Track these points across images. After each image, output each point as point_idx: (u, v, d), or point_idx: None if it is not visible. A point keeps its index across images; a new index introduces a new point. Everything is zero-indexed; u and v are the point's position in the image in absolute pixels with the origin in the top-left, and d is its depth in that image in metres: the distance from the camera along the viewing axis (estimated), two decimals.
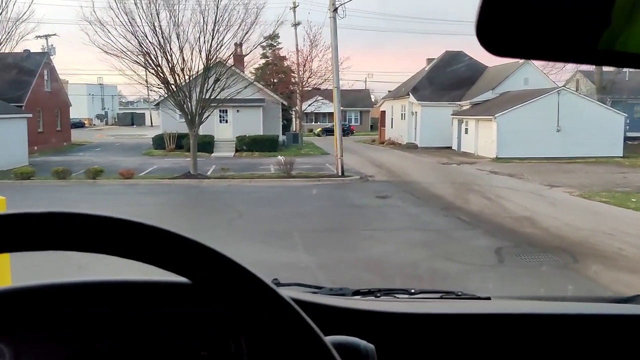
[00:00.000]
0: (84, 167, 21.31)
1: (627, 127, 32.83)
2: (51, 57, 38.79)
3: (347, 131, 51.84)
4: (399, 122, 40.78)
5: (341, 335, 0.92)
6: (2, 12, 29.99)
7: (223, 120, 34.27)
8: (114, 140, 43.51)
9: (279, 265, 8.31)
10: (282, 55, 45.67)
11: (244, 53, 26.39)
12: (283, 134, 37.48)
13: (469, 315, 1.32)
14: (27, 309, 1.05)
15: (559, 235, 11.32)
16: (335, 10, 21.97)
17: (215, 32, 22.23)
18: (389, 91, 48.10)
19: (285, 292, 0.76)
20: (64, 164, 22.69)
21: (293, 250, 10.21)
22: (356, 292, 1.59)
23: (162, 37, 21.73)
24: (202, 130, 25.61)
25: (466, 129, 33.72)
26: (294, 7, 42.43)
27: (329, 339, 0.77)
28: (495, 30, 0.59)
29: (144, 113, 74.59)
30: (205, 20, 22.21)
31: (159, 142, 33.58)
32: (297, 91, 42.56)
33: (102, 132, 56.86)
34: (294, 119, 45.65)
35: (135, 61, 21.94)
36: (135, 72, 22.52)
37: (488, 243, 10.70)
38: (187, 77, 22.12)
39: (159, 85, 23.05)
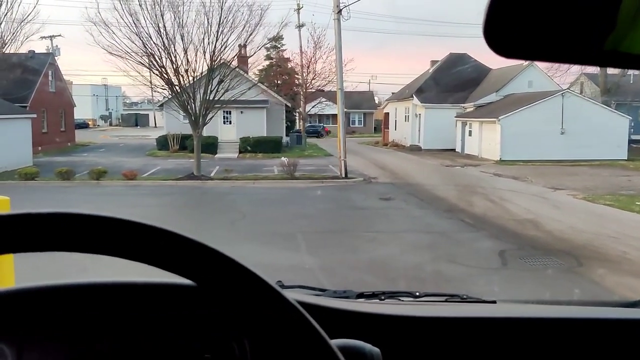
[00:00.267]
0: (87, 168, 21.36)
1: (632, 130, 32.80)
2: (56, 57, 38.97)
3: (319, 133, 50.44)
4: (403, 124, 40.77)
5: (346, 338, 0.91)
6: (7, 12, 30.08)
7: (227, 121, 34.31)
8: (118, 141, 43.61)
9: (282, 267, 8.30)
10: (286, 56, 45.75)
11: (248, 54, 26.43)
12: (287, 135, 37.51)
13: (474, 319, 1.32)
14: (30, 310, 1.05)
15: (562, 238, 11.29)
16: (340, 12, 21.98)
17: (219, 33, 22.27)
18: (392, 93, 48.14)
19: (289, 295, 0.75)
20: (67, 164, 22.75)
21: (296, 252, 10.20)
22: (360, 295, 1.58)
23: (167, 39, 21.78)
24: (206, 132, 25.65)
25: (470, 132, 33.69)
26: (298, 9, 42.45)
27: (334, 342, 0.77)
28: (502, 32, 0.59)
29: (147, 114, 74.81)
30: (210, 22, 22.27)
31: (162, 143, 33.66)
32: (301, 93, 42.56)
33: (106, 132, 57.02)
34: (297, 121, 45.65)
35: (140, 62, 21.97)
36: (139, 73, 22.55)
37: (491, 246, 10.68)
38: (191, 78, 22.15)
39: (163, 86, 23.08)
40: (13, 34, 31.09)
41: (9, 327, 1.02)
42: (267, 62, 43.42)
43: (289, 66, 44.69)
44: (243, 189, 19.27)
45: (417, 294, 1.59)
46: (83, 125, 59.40)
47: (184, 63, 22.07)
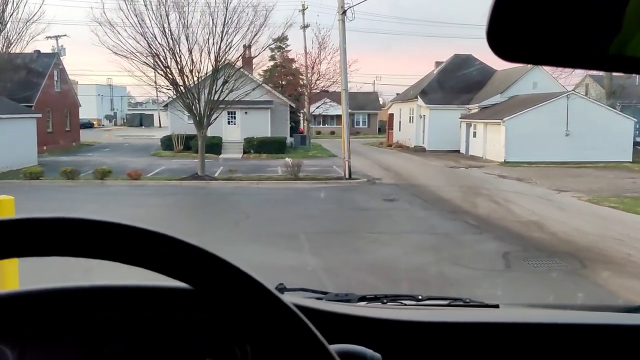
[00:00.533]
0: (92, 168, 21.40)
1: (637, 132, 32.64)
2: (61, 57, 39.04)
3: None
4: (407, 125, 40.72)
5: (346, 343, 0.90)
6: (13, 12, 30.17)
7: (231, 121, 34.36)
8: (123, 141, 43.69)
9: (284, 268, 8.30)
10: (290, 57, 45.76)
11: (252, 55, 26.45)
12: (291, 136, 37.52)
13: (477, 324, 1.31)
14: (33, 312, 1.05)
15: (567, 240, 11.25)
16: (344, 12, 21.97)
17: (224, 34, 22.29)
18: (397, 94, 48.09)
19: (290, 298, 0.75)
20: (72, 164, 22.81)
21: (299, 253, 10.20)
22: (362, 298, 1.58)
23: (172, 39, 21.82)
24: (211, 132, 25.66)
25: (474, 133, 33.63)
26: (303, 10, 42.51)
27: (334, 348, 0.76)
28: (505, 36, 0.59)
29: (152, 114, 74.94)
30: (215, 22, 22.29)
31: (167, 143, 33.72)
32: (305, 93, 42.58)
33: (111, 132, 57.13)
34: (301, 121, 45.67)
35: (145, 62, 22.04)
36: (144, 73, 22.62)
37: (495, 247, 10.66)
38: (195, 78, 22.18)
39: (167, 86, 23.14)
40: (19, 34, 31.20)
41: (11, 329, 1.02)
42: (272, 63, 43.45)
43: (294, 67, 44.70)
44: (247, 189, 19.29)
45: (420, 297, 1.58)
46: (88, 125, 59.54)
47: (188, 63, 22.13)
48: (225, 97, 22.17)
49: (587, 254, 10.06)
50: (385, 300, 1.55)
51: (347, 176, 21.44)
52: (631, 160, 28.72)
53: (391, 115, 45.19)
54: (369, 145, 41.95)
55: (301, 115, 44.57)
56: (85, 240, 0.67)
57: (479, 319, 1.35)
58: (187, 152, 30.82)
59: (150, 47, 21.71)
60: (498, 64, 38.56)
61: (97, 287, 1.09)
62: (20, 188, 17.61)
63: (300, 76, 43.60)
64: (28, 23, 31.65)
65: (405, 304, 1.53)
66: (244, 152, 32.43)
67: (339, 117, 38.98)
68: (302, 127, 45.08)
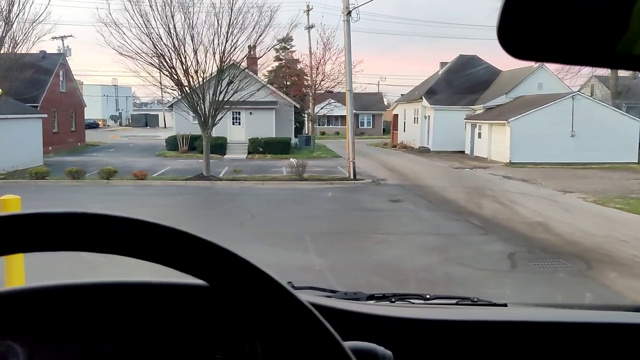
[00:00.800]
0: (97, 168, 21.46)
1: None
2: (67, 58, 39.20)
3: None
4: (412, 125, 40.69)
5: (356, 340, 0.90)
6: (19, 13, 30.26)
7: (236, 122, 34.40)
8: (128, 141, 43.81)
9: (290, 268, 8.30)
10: (295, 58, 45.77)
11: (257, 55, 26.47)
12: (295, 136, 37.54)
13: (485, 322, 1.31)
14: (42, 309, 1.05)
15: (572, 241, 11.22)
16: (349, 13, 21.97)
17: (229, 34, 22.32)
18: (401, 94, 48.03)
19: (301, 296, 0.75)
20: (78, 164, 22.89)
21: (305, 253, 10.20)
22: (371, 297, 1.58)
23: (177, 39, 21.85)
24: (215, 132, 25.73)
25: (479, 134, 33.58)
26: (308, 11, 42.52)
27: (346, 345, 0.76)
28: (515, 33, 0.60)
29: (157, 114, 75.14)
30: (220, 23, 22.32)
31: (172, 143, 33.80)
32: (310, 94, 42.57)
33: (116, 133, 57.31)
34: (306, 122, 45.68)
35: (150, 63, 22.08)
36: (149, 73, 22.66)
37: (501, 248, 10.64)
38: (200, 79, 22.22)
39: (173, 87, 23.17)
40: (25, 34, 31.26)
41: (20, 326, 1.02)
42: (277, 64, 43.48)
43: (299, 67, 44.71)
44: (252, 189, 19.30)
45: (428, 296, 1.58)
46: (93, 126, 59.77)
47: (193, 64, 22.16)
48: (230, 97, 22.20)
49: (592, 255, 10.02)
50: (393, 299, 1.55)
51: (352, 177, 21.44)
52: (637, 162, 28.60)
53: (396, 115, 45.16)
54: (373, 146, 41.93)
55: (306, 115, 44.57)
56: (97, 235, 0.67)
57: (487, 318, 1.35)
58: (192, 153, 30.90)
59: (156, 48, 21.76)
60: (503, 64, 38.55)
61: (106, 283, 1.09)
62: (26, 188, 17.68)
63: (305, 77, 43.59)
64: (34, 23, 31.72)
65: (414, 303, 1.54)
66: (249, 153, 32.47)
67: (343, 117, 39.03)
68: (306, 128, 45.12)
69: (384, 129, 58.47)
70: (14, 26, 29.70)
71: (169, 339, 1.07)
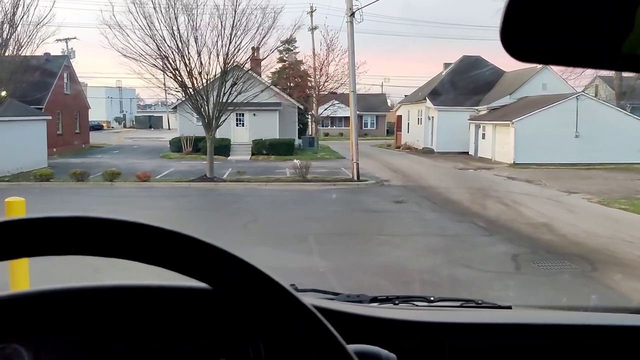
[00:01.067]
0: (101, 169, 21.51)
1: None
2: (71, 60, 39.28)
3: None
4: (416, 126, 40.65)
5: (360, 343, 0.90)
6: (23, 15, 30.35)
7: (240, 123, 34.44)
8: (132, 143, 43.89)
9: (293, 270, 8.29)
10: (298, 59, 45.77)
11: (261, 57, 26.49)
12: (299, 137, 37.54)
13: (490, 325, 1.30)
14: (47, 312, 1.05)
15: (577, 242, 11.19)
16: (353, 14, 21.97)
17: (232, 36, 22.34)
18: (405, 95, 48.01)
19: (304, 299, 0.75)
20: (82, 166, 22.93)
21: (308, 255, 10.20)
22: (374, 299, 1.57)
23: (180, 41, 21.88)
24: (219, 134, 25.72)
25: (483, 134, 33.52)
26: (311, 12, 42.52)
27: (350, 348, 0.76)
28: (519, 36, 0.60)
29: (161, 116, 75.29)
30: (223, 25, 22.33)
31: (176, 145, 33.86)
32: (314, 95, 42.57)
33: (120, 134, 57.41)
34: (310, 123, 45.68)
35: (154, 65, 22.11)
36: (153, 75, 22.71)
37: (505, 249, 10.61)
38: (204, 80, 22.24)
39: (176, 88, 23.21)
40: (29, 36, 31.34)
41: (25, 329, 1.02)
42: (280, 65, 43.48)
43: (302, 69, 44.72)
44: (255, 191, 19.31)
45: (432, 298, 1.58)
46: (97, 127, 59.88)
47: (197, 65, 22.19)
48: (234, 99, 22.23)
49: (597, 256, 9.99)
50: (397, 301, 1.55)
51: (356, 178, 21.42)
52: None
53: (399, 116, 45.12)
54: (377, 147, 41.90)
55: (309, 117, 44.58)
56: (101, 239, 0.67)
57: (492, 320, 1.35)
58: (196, 154, 30.93)
59: (160, 50, 21.80)
60: (507, 65, 38.47)
61: (111, 286, 1.09)
62: (30, 190, 17.73)
63: (309, 78, 43.59)
64: (38, 26, 31.81)
65: (418, 305, 1.53)
66: (253, 154, 32.49)
67: (347, 118, 38.98)
68: (310, 129, 45.12)
69: (387, 130, 58.42)
70: (19, 29, 29.78)
71: (173, 341, 1.07)
